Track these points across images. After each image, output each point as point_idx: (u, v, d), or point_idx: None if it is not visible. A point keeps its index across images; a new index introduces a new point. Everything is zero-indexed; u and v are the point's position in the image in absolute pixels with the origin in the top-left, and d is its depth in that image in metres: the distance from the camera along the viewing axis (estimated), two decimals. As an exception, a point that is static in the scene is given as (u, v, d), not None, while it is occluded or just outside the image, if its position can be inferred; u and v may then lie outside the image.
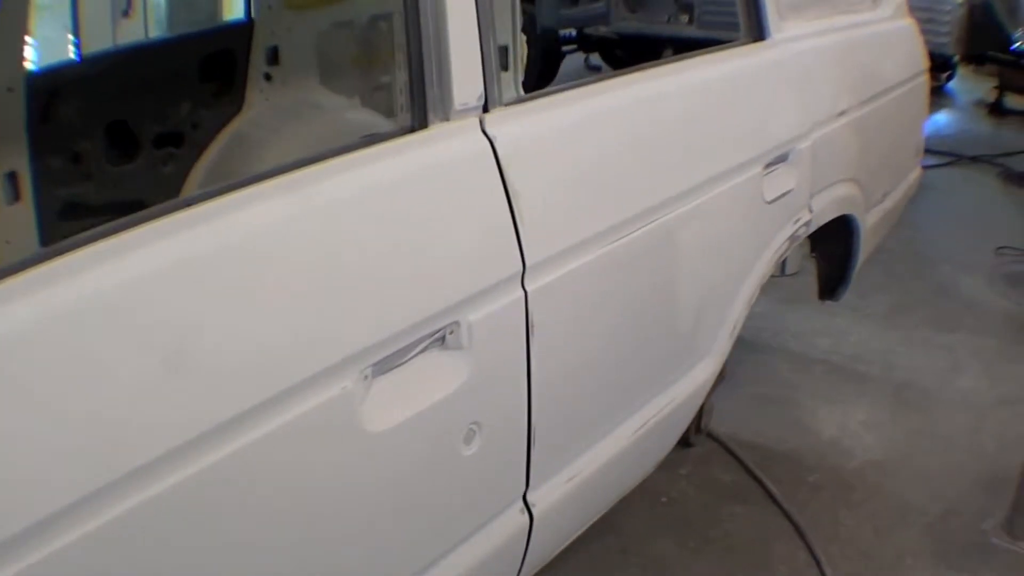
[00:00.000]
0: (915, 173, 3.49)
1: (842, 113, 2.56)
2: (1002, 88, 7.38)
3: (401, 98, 3.55)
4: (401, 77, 3.51)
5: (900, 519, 2.85)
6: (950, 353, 3.86)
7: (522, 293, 1.56)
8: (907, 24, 3.30)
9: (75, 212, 2.51)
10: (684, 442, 3.10)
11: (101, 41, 3.26)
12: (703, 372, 2.21)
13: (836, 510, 2.90)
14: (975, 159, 6.34)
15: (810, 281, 3.22)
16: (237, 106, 2.99)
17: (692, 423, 3.08)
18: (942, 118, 7.52)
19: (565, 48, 8.46)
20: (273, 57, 3.03)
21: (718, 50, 2.19)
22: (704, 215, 2.01)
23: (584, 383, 1.82)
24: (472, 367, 1.49)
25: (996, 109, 7.49)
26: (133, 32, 3.45)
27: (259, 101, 3.01)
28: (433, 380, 1.45)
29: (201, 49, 2.83)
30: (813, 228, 2.53)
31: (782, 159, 2.28)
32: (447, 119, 1.51)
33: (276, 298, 1.24)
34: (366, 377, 1.35)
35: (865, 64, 2.82)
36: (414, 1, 1.45)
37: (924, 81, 3.39)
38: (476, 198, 1.51)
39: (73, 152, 2.56)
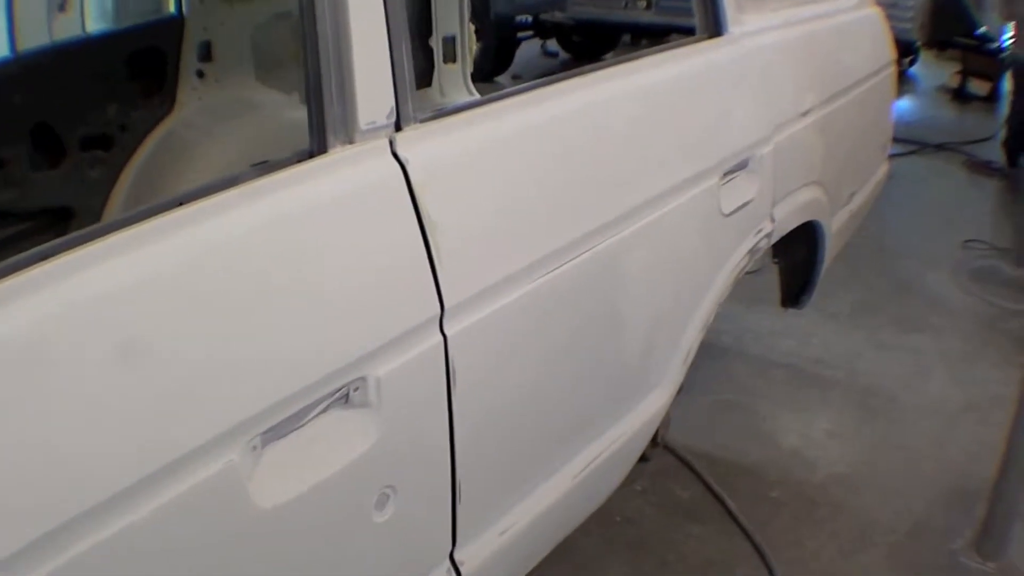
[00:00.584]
0: (883, 168, 3.34)
1: (806, 112, 2.39)
2: (965, 73, 7.31)
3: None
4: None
5: (865, 538, 2.71)
6: (916, 356, 3.73)
7: (440, 338, 1.37)
8: (873, 13, 3.14)
9: (-1, 220, 2.35)
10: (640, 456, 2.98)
11: (36, 38, 3.12)
12: (654, 403, 2.03)
13: (799, 529, 2.75)
14: (940, 147, 6.24)
15: (771, 279, 3.05)
16: (168, 106, 2.84)
17: None
18: (905, 104, 7.40)
19: (521, 35, 8.36)
20: (206, 53, 2.89)
21: (670, 48, 2.00)
22: (653, 236, 1.83)
23: (516, 430, 1.63)
24: (383, 426, 1.30)
25: (959, 95, 7.43)
26: (69, 29, 3.30)
27: (191, 100, 2.86)
28: (336, 445, 1.26)
29: (128, 46, 2.69)
30: (776, 238, 2.36)
31: (741, 166, 2.10)
32: (350, 141, 1.31)
33: (142, 362, 1.05)
34: (255, 448, 1.16)
35: (830, 58, 2.65)
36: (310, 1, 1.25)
37: (892, 73, 3.23)
38: (384, 233, 1.31)
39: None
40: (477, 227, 1.43)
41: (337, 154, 1.29)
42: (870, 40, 3.07)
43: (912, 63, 7.88)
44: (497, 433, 1.56)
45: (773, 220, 2.30)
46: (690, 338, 2.07)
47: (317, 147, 1.28)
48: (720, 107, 2.07)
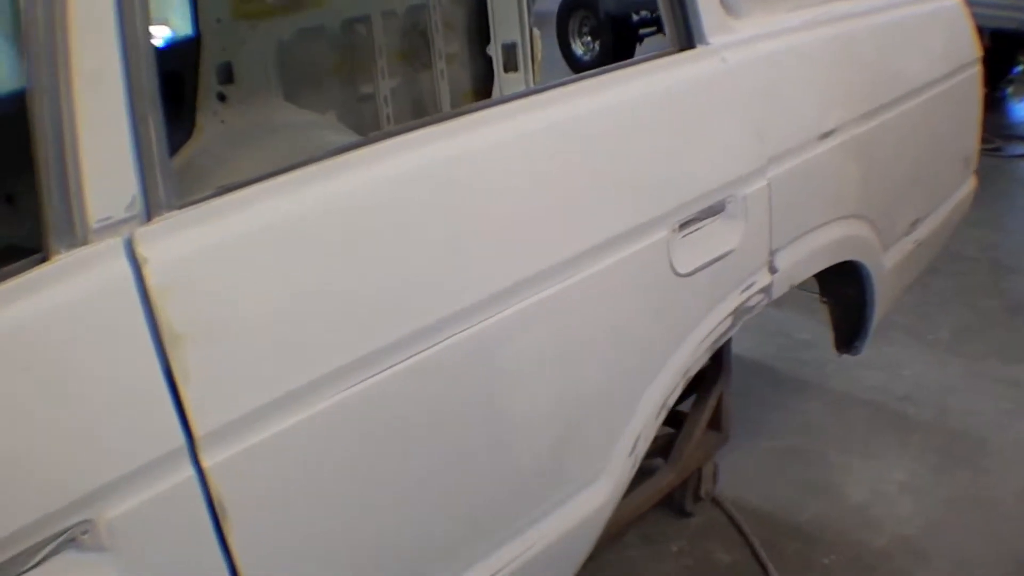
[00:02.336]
0: (966, 188, 2.91)
1: (829, 134, 2.03)
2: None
3: (386, 108, 3.25)
4: (385, 84, 3.22)
5: (926, 622, 2.34)
6: (1018, 390, 3.28)
7: (193, 472, 1.12)
8: (949, 3, 2.74)
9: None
10: (681, 511, 2.72)
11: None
12: (590, 502, 1.69)
13: (848, 607, 2.40)
14: (1071, 145, 5.66)
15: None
16: (187, 132, 2.77)
17: (689, 489, 2.69)
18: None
19: (643, 31, 8.16)
20: (227, 75, 2.81)
21: (613, 69, 1.68)
22: (555, 312, 1.51)
23: (351, 562, 1.34)
24: (127, 572, 1.07)
25: (1102, 87, 6.73)
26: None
27: (213, 124, 2.79)
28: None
29: None
30: (783, 290, 2.01)
31: (713, 212, 1.77)
32: (81, 243, 1.05)
33: None
34: None
35: (874, 63, 2.27)
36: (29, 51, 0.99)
37: (975, 74, 2.81)
38: (112, 350, 1.06)
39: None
40: (245, 337, 1.16)
41: (62, 259, 1.04)
42: (942, 36, 2.67)
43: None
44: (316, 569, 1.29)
45: (774, 270, 1.95)
46: (641, 422, 1.73)
47: (42, 251, 1.04)
48: (675, 141, 1.72)
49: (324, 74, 3.07)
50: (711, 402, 2.54)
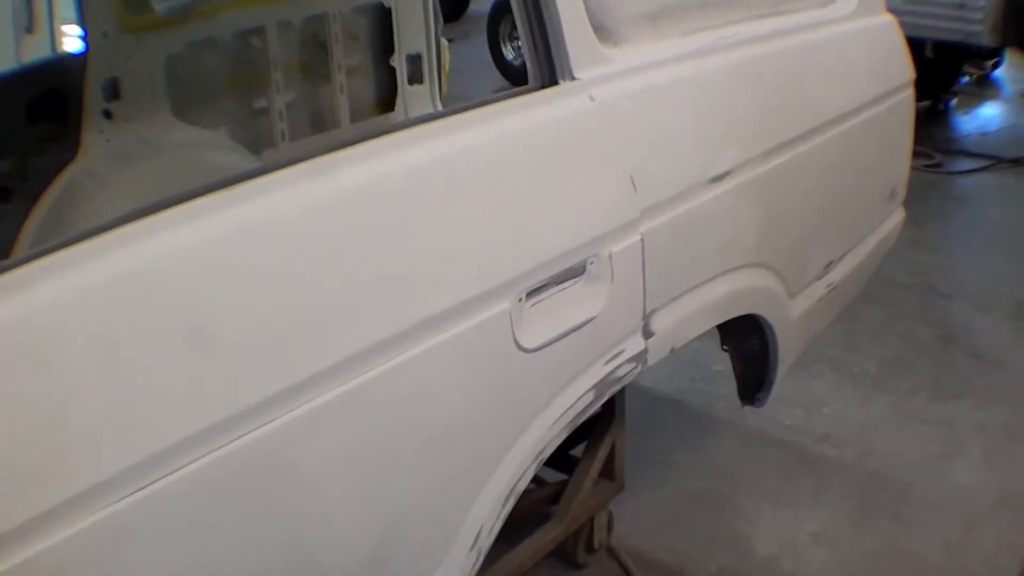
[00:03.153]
0: (892, 221, 2.72)
1: (721, 177, 1.82)
2: (1053, 78, 6.52)
3: (281, 124, 3.06)
4: (280, 99, 3.03)
5: None
6: (946, 430, 3.12)
7: None
8: (882, 22, 2.54)
9: None
10: (572, 562, 2.52)
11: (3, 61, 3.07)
12: None
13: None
14: (1015, 162, 5.52)
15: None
16: (72, 151, 2.60)
17: (581, 540, 2.51)
18: (983, 113, 6.66)
19: None
20: (113, 91, 2.65)
21: (450, 114, 1.46)
22: (362, 406, 1.28)
23: None
24: None
25: (1046, 103, 6.64)
26: (38, 51, 3.24)
27: (98, 143, 2.62)
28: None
29: (24, 91, 2.54)
30: (663, 354, 1.80)
31: (573, 274, 1.55)
32: None
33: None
34: None
35: (783, 93, 2.07)
36: None
37: (906, 98, 2.62)
38: None
39: None
40: None
41: None
42: (869, 58, 2.48)
43: (996, 66, 7.08)
44: None
45: (649, 334, 1.73)
46: (482, 515, 1.51)
47: None
48: (522, 196, 1.49)
49: (216, 89, 2.92)
50: (602, 452, 2.34)
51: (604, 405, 1.96)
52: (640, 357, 1.72)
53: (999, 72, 7.22)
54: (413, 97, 3.22)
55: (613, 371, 1.67)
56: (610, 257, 1.57)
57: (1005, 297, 3.96)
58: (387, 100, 3.24)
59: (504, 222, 1.44)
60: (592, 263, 1.56)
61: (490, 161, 1.45)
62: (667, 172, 1.71)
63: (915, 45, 5.21)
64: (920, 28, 4.86)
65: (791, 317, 2.19)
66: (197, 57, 2.78)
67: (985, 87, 7.04)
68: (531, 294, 1.47)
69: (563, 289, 1.53)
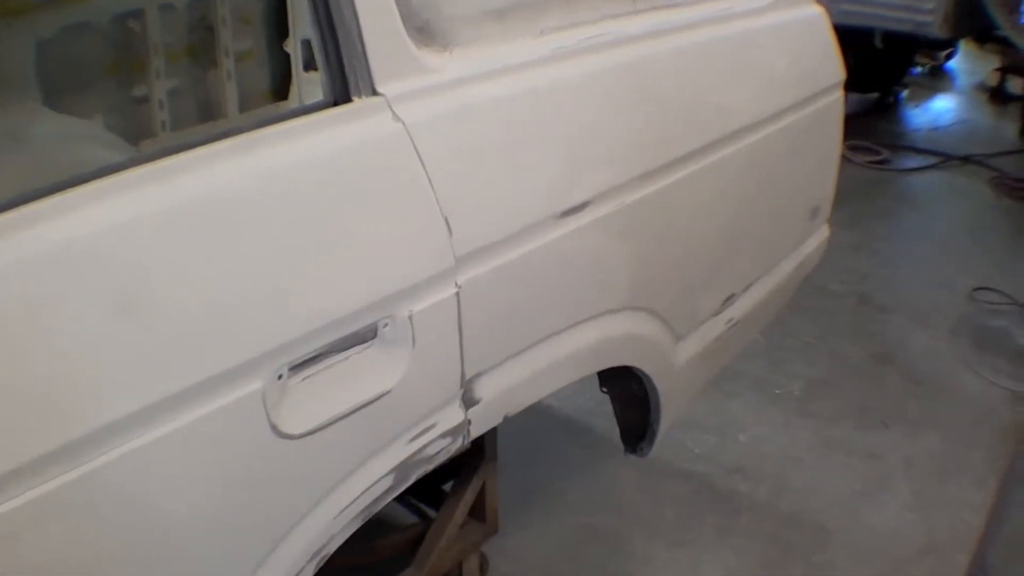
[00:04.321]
0: (813, 242, 2.42)
1: (578, 209, 1.52)
2: (1005, 71, 6.30)
3: (162, 113, 2.80)
4: (161, 86, 2.77)
5: None
6: (872, 463, 2.87)
7: None
8: (807, 15, 2.24)
9: None
10: None
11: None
12: None
13: None
14: (966, 159, 5.27)
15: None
16: None
17: None
18: (935, 106, 6.40)
19: None
20: None
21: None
22: (59, 512, 0.99)
23: None
24: None
25: (997, 95, 6.39)
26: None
27: None
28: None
29: None
30: (496, 422, 1.51)
31: (360, 339, 1.25)
32: None
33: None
34: None
35: (674, 101, 1.76)
36: None
37: (835, 101, 2.33)
38: None
39: None
40: None
41: None
42: (794, 56, 2.18)
43: (949, 57, 6.84)
44: None
45: (472, 403, 1.43)
46: None
47: None
48: (285, 246, 1.18)
49: (92, 76, 2.63)
50: (469, 494, 2.05)
51: (473, 443, 1.68)
52: (459, 430, 1.43)
53: (953, 63, 6.98)
54: (308, 84, 2.99)
55: (420, 450, 1.38)
56: (410, 318, 1.27)
57: (947, 311, 3.71)
58: (282, 88, 2.99)
59: (260, 282, 1.14)
60: (386, 326, 1.25)
61: (244, 205, 1.14)
62: (497, 209, 1.39)
63: (863, 35, 5.03)
64: (868, 17, 4.66)
65: (676, 364, 1.90)
66: (70, 43, 2.50)
67: (938, 78, 6.79)
68: (298, 367, 1.18)
69: (345, 359, 1.23)
